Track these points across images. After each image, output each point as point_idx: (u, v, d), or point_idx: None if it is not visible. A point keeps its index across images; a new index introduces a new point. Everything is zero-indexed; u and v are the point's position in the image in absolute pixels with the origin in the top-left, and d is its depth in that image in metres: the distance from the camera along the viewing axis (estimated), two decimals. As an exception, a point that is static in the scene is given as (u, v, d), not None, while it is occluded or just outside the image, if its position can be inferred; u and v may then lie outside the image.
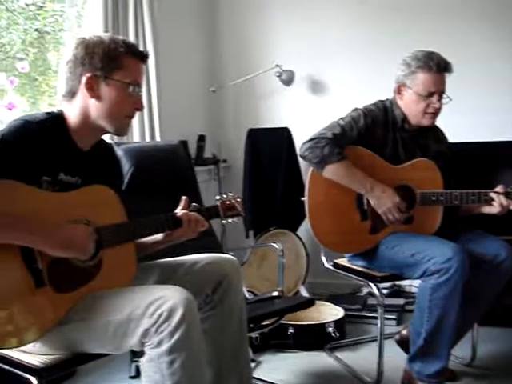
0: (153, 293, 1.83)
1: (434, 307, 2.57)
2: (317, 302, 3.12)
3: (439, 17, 4.05)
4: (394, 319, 3.76)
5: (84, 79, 1.93)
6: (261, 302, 2.91)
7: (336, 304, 3.77)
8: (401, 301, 3.99)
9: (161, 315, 1.75)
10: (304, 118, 4.37)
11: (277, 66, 4.30)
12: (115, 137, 3.31)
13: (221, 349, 2.18)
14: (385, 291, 3.98)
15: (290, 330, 3.40)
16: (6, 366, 1.92)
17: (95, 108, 1.96)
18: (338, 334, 3.45)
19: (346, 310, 3.70)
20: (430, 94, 2.75)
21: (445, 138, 3.02)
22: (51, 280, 1.82)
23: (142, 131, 3.69)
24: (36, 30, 3.55)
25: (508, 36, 3.94)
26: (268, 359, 3.31)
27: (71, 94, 1.97)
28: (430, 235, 2.77)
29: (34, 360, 1.91)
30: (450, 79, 2.79)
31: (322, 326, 3.46)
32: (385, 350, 2.85)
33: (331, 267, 3.15)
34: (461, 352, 3.08)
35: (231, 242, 4.21)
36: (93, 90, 1.94)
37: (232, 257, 2.29)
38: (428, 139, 2.94)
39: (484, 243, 2.74)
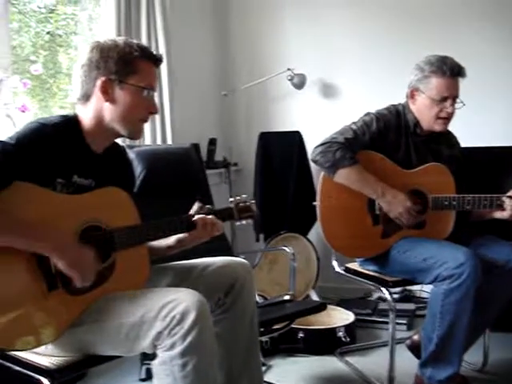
0: (166, 295, 1.83)
1: (445, 312, 2.55)
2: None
3: (453, 22, 4.04)
4: (405, 324, 3.74)
5: (99, 83, 1.94)
6: (272, 305, 2.91)
7: (346, 308, 3.76)
8: (411, 306, 3.98)
9: (174, 318, 1.75)
10: (315, 121, 4.37)
11: (288, 69, 4.29)
12: (127, 140, 3.33)
13: (232, 352, 2.18)
14: (395, 296, 3.96)
15: (300, 335, 3.40)
16: (17, 367, 1.92)
17: (109, 111, 1.97)
18: (348, 339, 3.44)
19: (356, 314, 3.69)
20: (444, 99, 2.74)
21: (457, 143, 3.01)
22: (64, 282, 1.83)
23: (154, 134, 3.71)
24: (48, 32, 3.57)
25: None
26: (278, 363, 3.31)
27: (86, 97, 1.98)
28: (442, 240, 2.76)
29: (46, 361, 1.92)
30: (463, 83, 2.79)
31: (333, 330, 3.45)
32: (396, 355, 2.84)
33: (342, 271, 3.14)
34: (472, 358, 3.07)
35: (241, 246, 4.21)
36: (107, 93, 1.95)
37: (244, 260, 2.29)
38: (440, 144, 2.94)
39: (496, 248, 2.73)
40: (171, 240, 2.18)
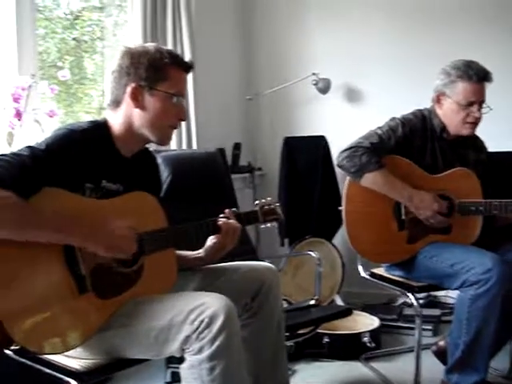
0: (194, 299, 1.84)
1: (472, 318, 2.54)
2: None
3: (478, 27, 4.03)
4: (430, 330, 3.72)
5: (129, 89, 1.96)
6: (297, 310, 2.91)
7: (371, 314, 3.75)
8: (437, 311, 3.95)
9: (202, 322, 1.76)
10: (340, 126, 4.36)
11: (313, 74, 4.29)
12: (153, 144, 3.36)
13: (259, 356, 2.18)
14: (421, 302, 3.94)
15: (326, 339, 3.39)
16: (47, 370, 1.94)
17: (139, 118, 1.99)
18: (373, 344, 3.42)
19: (381, 320, 3.67)
20: (470, 104, 2.73)
21: (484, 147, 2.99)
22: (94, 286, 1.85)
23: (179, 139, 3.74)
24: (74, 39, 3.61)
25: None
26: (303, 368, 3.30)
27: (116, 103, 2.00)
28: (469, 245, 2.74)
29: (75, 364, 1.94)
30: (489, 88, 2.77)
31: (358, 335, 3.44)
32: (421, 361, 2.83)
33: (368, 276, 3.13)
34: (499, 364, 3.04)
35: (266, 250, 4.22)
36: (137, 100, 1.97)
37: (271, 265, 2.29)
38: (467, 148, 2.92)
39: (524, 254, 2.71)
40: (200, 251, 2.19)
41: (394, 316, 3.90)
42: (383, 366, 3.27)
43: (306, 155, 4.25)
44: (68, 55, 3.58)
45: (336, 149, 2.91)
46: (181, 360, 1.85)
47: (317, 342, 3.38)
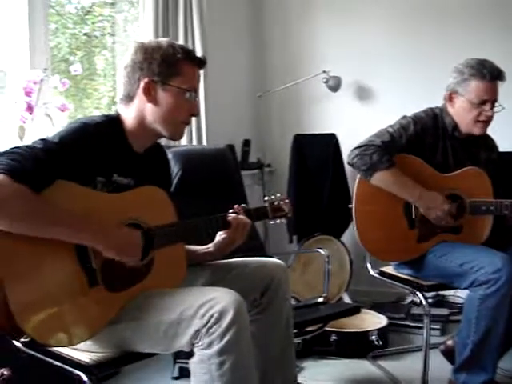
0: (204, 294, 1.85)
1: (481, 318, 2.53)
2: (360, 309, 3.11)
3: (491, 25, 4.01)
4: (438, 329, 3.71)
5: (142, 84, 1.96)
6: (306, 307, 2.91)
7: (379, 312, 3.74)
8: (445, 311, 3.94)
9: (212, 316, 1.76)
10: (351, 124, 4.35)
11: (324, 71, 4.29)
12: (163, 140, 3.36)
13: (267, 352, 2.18)
14: (429, 301, 3.93)
15: (333, 337, 3.39)
16: (57, 362, 1.95)
17: (151, 112, 1.99)
18: (381, 343, 3.42)
19: (389, 318, 3.67)
20: (483, 102, 2.72)
21: (495, 147, 2.98)
22: (104, 279, 1.85)
23: (190, 135, 3.74)
24: (85, 34, 3.62)
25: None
26: (310, 365, 3.30)
27: (129, 97, 2.01)
28: (479, 245, 2.74)
29: (85, 357, 1.94)
30: (502, 87, 2.77)
31: (365, 333, 3.44)
32: (429, 360, 2.83)
33: (377, 275, 3.12)
34: (507, 364, 3.02)
35: (274, 247, 4.22)
36: (150, 94, 1.97)
37: (280, 261, 2.29)
38: (478, 147, 2.92)
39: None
40: (209, 245, 2.20)
41: (402, 315, 3.89)
42: (391, 365, 3.27)
43: (316, 153, 4.24)
44: (78, 50, 3.59)
45: (346, 147, 2.91)
46: (189, 355, 1.85)
47: (324, 339, 3.38)
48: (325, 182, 4.21)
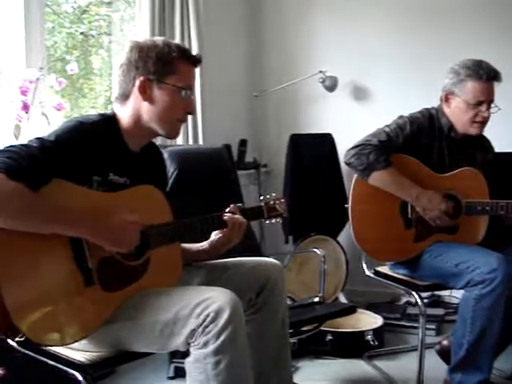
0: (200, 293, 1.84)
1: (477, 318, 2.54)
2: (356, 309, 3.11)
3: (486, 26, 4.02)
4: (434, 329, 3.72)
5: (137, 83, 1.96)
6: (301, 307, 2.91)
7: (375, 312, 3.75)
8: (440, 311, 3.95)
9: (208, 316, 1.76)
10: (347, 124, 4.36)
11: (320, 71, 4.29)
12: (159, 139, 3.36)
13: (262, 352, 2.18)
14: (424, 301, 3.93)
15: (329, 337, 3.39)
16: (52, 362, 1.94)
17: (147, 111, 1.99)
18: (376, 343, 3.42)
19: (384, 318, 3.67)
20: (479, 103, 2.73)
21: (491, 147, 2.99)
22: (100, 279, 1.85)
23: (186, 134, 3.74)
24: (81, 33, 3.61)
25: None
26: (306, 365, 3.31)
27: (124, 96, 2.00)
28: (474, 245, 2.74)
29: (80, 356, 1.94)
30: (498, 88, 2.77)
31: (361, 333, 3.44)
32: (424, 360, 2.83)
33: (372, 275, 3.13)
34: (502, 364, 3.03)
35: (270, 247, 4.22)
36: (146, 93, 1.97)
37: (276, 261, 2.29)
38: (474, 148, 2.92)
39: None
40: (204, 243, 2.19)
41: (398, 315, 3.89)
42: (386, 365, 3.27)
43: (312, 153, 4.25)
44: (75, 50, 3.59)
45: (342, 147, 2.91)
46: (185, 355, 1.85)
47: (320, 339, 3.39)
48: (321, 182, 4.22)
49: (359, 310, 3.60)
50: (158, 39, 2.02)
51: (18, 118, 2.68)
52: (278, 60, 4.67)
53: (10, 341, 1.93)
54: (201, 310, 1.78)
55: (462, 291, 2.65)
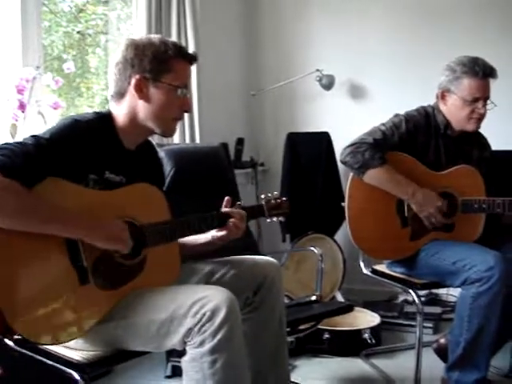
0: (196, 292, 1.84)
1: (474, 316, 2.54)
2: (353, 308, 3.11)
3: (482, 24, 4.02)
4: (431, 328, 3.72)
5: (133, 81, 1.96)
6: (299, 306, 2.91)
7: (372, 311, 3.75)
8: (438, 309, 3.95)
9: (204, 315, 1.76)
10: (344, 122, 4.36)
11: (317, 70, 4.29)
12: (156, 138, 3.35)
13: (260, 351, 2.18)
14: (422, 299, 3.93)
15: (326, 335, 3.39)
16: (48, 361, 1.94)
17: (143, 109, 1.99)
18: (373, 341, 3.43)
19: (382, 316, 3.67)
20: (476, 100, 2.73)
21: (487, 145, 2.99)
22: (95, 277, 1.84)
23: (183, 133, 3.73)
24: (78, 32, 3.61)
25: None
26: (303, 364, 3.31)
27: (120, 94, 2.00)
28: (471, 243, 2.74)
29: (77, 356, 1.94)
30: (495, 85, 2.77)
31: (358, 332, 3.44)
32: (421, 358, 2.83)
33: (369, 273, 3.13)
34: (499, 362, 3.04)
35: (267, 245, 4.22)
36: (141, 91, 1.97)
37: (273, 260, 2.29)
38: (471, 145, 2.92)
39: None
40: (208, 236, 2.19)
41: (395, 313, 3.90)
42: (383, 363, 3.28)
43: (309, 151, 4.24)
44: (72, 49, 3.58)
45: (339, 145, 2.91)
46: (182, 354, 1.85)
47: (317, 337, 3.39)
48: (318, 181, 4.21)
49: (356, 309, 3.60)
50: (155, 37, 2.02)
51: (14, 116, 2.67)
52: (274, 58, 4.66)
53: (6, 340, 1.93)
54: (197, 308, 1.77)
55: (459, 289, 2.64)
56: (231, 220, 2.15)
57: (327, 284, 4.07)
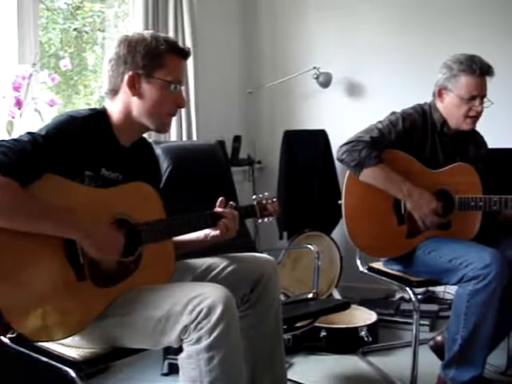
0: (193, 289, 1.84)
1: (470, 314, 2.54)
2: (350, 305, 3.11)
3: (478, 22, 4.02)
4: (428, 325, 3.72)
5: (126, 77, 1.95)
6: (295, 303, 2.91)
7: (369, 308, 3.75)
8: (434, 307, 3.96)
9: (200, 312, 1.76)
10: (341, 120, 4.36)
11: (314, 68, 4.29)
12: (153, 135, 3.35)
13: (256, 348, 2.18)
14: (418, 297, 3.94)
15: (323, 333, 3.39)
16: (44, 359, 1.93)
17: (137, 106, 1.98)
18: (370, 339, 3.43)
19: (378, 314, 3.68)
20: (473, 98, 2.73)
21: (484, 143, 2.99)
22: (92, 274, 1.84)
23: (179, 130, 3.73)
24: (75, 29, 3.60)
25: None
26: (300, 361, 3.31)
27: (114, 91, 1.99)
28: (468, 241, 2.74)
29: (73, 353, 1.94)
30: (493, 84, 2.78)
31: (355, 329, 3.44)
32: (418, 356, 2.83)
33: (366, 271, 3.13)
34: (496, 360, 3.04)
35: (264, 243, 4.22)
36: (134, 88, 1.96)
37: (270, 257, 2.29)
38: (467, 143, 2.92)
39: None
40: (201, 234, 2.19)
41: (392, 311, 3.90)
42: (380, 361, 3.28)
43: (306, 149, 4.24)
44: (69, 46, 3.57)
45: (336, 143, 2.90)
46: (179, 351, 1.85)
47: (314, 335, 3.39)
48: (315, 178, 4.21)
49: (353, 306, 3.62)
50: (147, 33, 2.01)
51: (10, 114, 2.66)
52: (272, 56, 4.66)
53: (2, 337, 1.93)
54: (193, 306, 1.77)
55: (455, 287, 2.64)
56: (223, 220, 2.15)
57: (324, 281, 4.07)
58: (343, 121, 4.32)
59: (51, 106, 2.80)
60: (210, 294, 1.79)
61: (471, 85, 2.72)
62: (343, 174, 2.90)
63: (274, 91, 4.55)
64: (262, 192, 2.39)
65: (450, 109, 2.80)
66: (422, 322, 3.57)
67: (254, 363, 2.18)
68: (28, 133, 1.81)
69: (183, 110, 3.66)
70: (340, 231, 4.02)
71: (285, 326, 2.38)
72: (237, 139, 4.26)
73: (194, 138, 3.78)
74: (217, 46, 4.29)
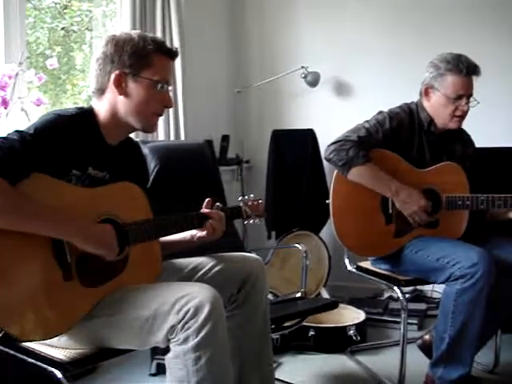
0: (180, 289, 1.84)
1: (458, 312, 2.54)
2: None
3: (466, 22, 4.03)
4: (416, 324, 3.74)
5: (113, 76, 1.95)
6: (283, 302, 2.91)
7: (357, 307, 3.76)
8: (423, 306, 3.97)
9: (188, 312, 1.75)
10: (329, 119, 4.36)
11: (302, 67, 4.29)
12: (141, 135, 3.34)
13: (244, 347, 2.18)
14: (406, 296, 3.95)
15: (311, 332, 3.40)
16: (31, 360, 1.92)
17: (123, 105, 1.98)
18: (358, 338, 3.43)
19: (367, 313, 3.69)
20: (459, 97, 2.74)
21: (471, 141, 3.00)
22: (79, 274, 1.83)
23: (167, 130, 3.72)
24: (63, 28, 3.58)
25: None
26: (288, 361, 3.31)
27: (101, 90, 1.99)
28: (455, 240, 2.75)
29: (59, 354, 1.93)
30: (480, 83, 2.79)
31: (343, 328, 3.45)
32: (406, 355, 2.83)
33: (354, 270, 3.13)
34: (483, 358, 3.06)
35: (253, 243, 4.21)
36: (121, 87, 1.96)
37: (257, 256, 2.29)
38: (454, 142, 2.93)
39: (510, 249, 2.71)
40: (187, 235, 2.18)
41: (380, 310, 3.91)
42: (369, 360, 3.28)
43: (294, 148, 4.24)
44: (57, 45, 3.56)
45: (324, 142, 2.90)
46: (166, 351, 1.84)
47: (302, 334, 3.39)
48: (303, 178, 4.21)
49: (341, 305, 3.61)
50: (135, 32, 2.01)
51: (-4, 113, 2.65)
52: (260, 56, 4.66)
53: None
54: (180, 305, 1.77)
55: (443, 286, 2.65)
56: (209, 221, 2.14)
57: (312, 281, 4.07)
58: (331, 120, 4.33)
59: (38, 105, 2.78)
60: (198, 294, 1.79)
61: (458, 84, 2.72)
62: (331, 173, 2.90)
63: (262, 90, 4.55)
64: (250, 192, 2.40)
65: (436, 108, 2.80)
66: (410, 321, 3.58)
67: (241, 363, 2.18)
68: (16, 131, 1.81)
69: (171, 110, 3.65)
70: (328, 230, 4.03)
71: (273, 326, 2.38)
72: (225, 139, 4.26)
73: (182, 137, 3.77)
74: (205, 45, 4.29)
